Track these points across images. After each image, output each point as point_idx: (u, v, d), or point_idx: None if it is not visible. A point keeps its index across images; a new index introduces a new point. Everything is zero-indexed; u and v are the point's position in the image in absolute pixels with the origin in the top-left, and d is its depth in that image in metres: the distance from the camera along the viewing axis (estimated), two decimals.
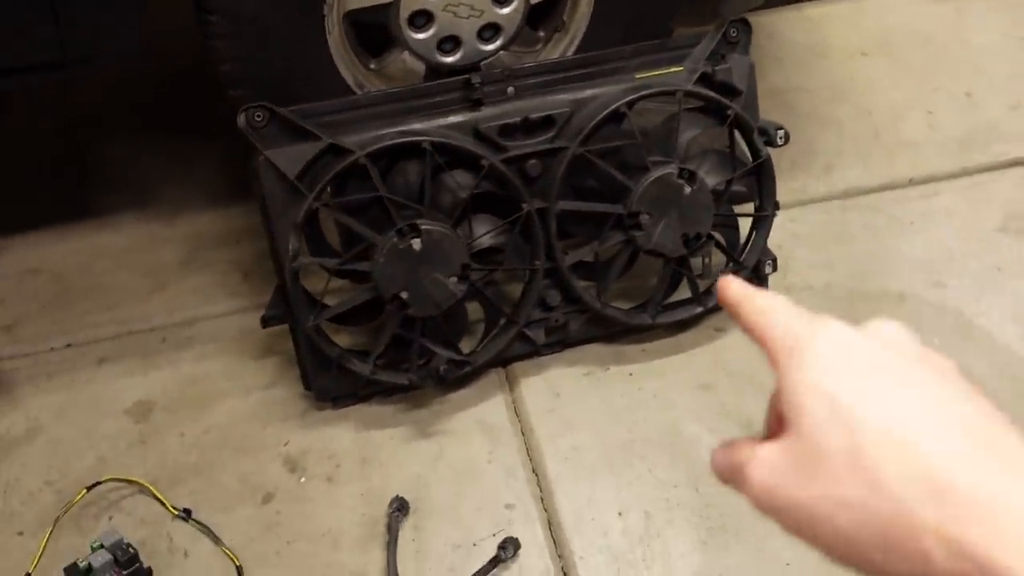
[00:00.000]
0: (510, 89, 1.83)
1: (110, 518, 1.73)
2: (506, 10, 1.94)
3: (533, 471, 1.80)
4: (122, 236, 2.31)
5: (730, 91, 1.90)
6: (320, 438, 1.85)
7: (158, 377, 1.98)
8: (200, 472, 1.80)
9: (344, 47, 1.94)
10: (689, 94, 1.86)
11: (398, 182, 1.79)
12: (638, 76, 1.88)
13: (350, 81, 1.96)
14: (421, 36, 1.92)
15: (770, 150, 1.94)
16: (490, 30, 1.96)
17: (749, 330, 0.60)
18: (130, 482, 1.77)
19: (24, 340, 2.07)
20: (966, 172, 2.41)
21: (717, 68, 1.88)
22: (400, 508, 1.71)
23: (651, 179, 1.83)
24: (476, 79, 1.79)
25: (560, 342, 1.97)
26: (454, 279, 1.75)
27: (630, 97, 1.82)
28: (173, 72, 2.60)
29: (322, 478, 1.79)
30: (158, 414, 1.91)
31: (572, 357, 1.98)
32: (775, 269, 2.04)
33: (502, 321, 1.91)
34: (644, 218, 1.84)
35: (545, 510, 1.73)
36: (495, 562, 1.62)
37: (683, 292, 2.01)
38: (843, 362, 0.55)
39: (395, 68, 2.02)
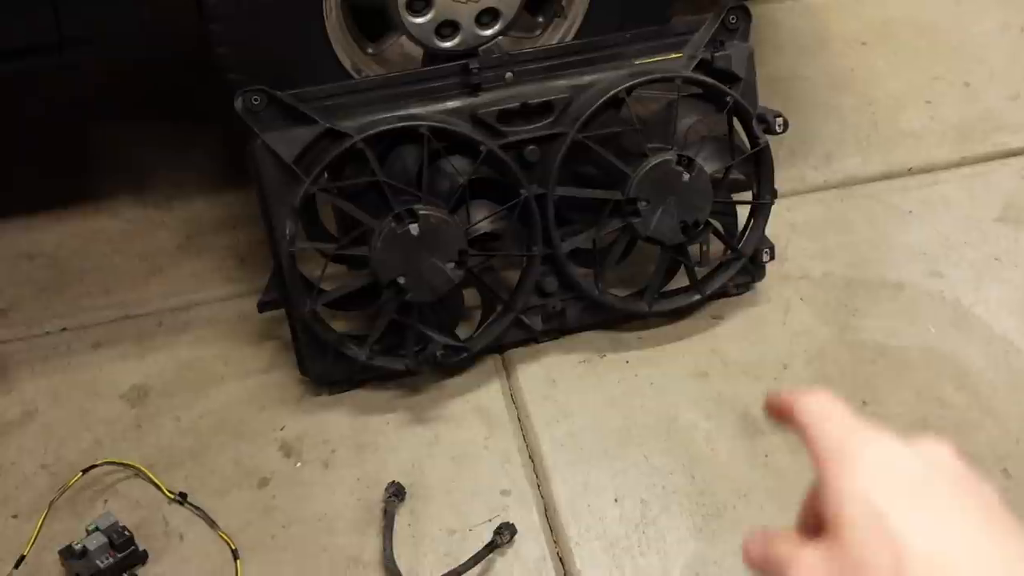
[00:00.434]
0: (508, 74, 1.82)
1: (105, 501, 1.73)
2: None
3: (529, 457, 1.80)
4: (119, 220, 2.30)
5: (729, 78, 1.89)
6: (316, 423, 1.85)
7: (154, 361, 1.98)
8: (196, 456, 1.80)
9: (342, 31, 1.94)
10: (688, 81, 1.86)
11: (396, 167, 1.78)
12: (637, 62, 1.87)
13: (348, 65, 1.95)
14: (419, 21, 1.92)
15: (768, 138, 1.94)
16: (488, 15, 1.95)
17: (799, 430, 0.61)
18: (126, 465, 1.77)
19: (19, 324, 2.07)
20: (965, 162, 2.41)
21: (716, 55, 1.87)
22: (396, 493, 1.71)
23: (649, 166, 1.82)
24: (474, 64, 1.79)
25: (557, 329, 1.97)
26: (451, 265, 1.75)
27: (629, 83, 1.81)
28: (172, 55, 2.59)
29: (318, 463, 1.79)
30: (154, 398, 1.91)
31: (569, 344, 1.98)
32: (772, 257, 2.04)
33: (499, 307, 1.90)
34: (642, 205, 1.84)
35: (541, 496, 1.73)
36: (491, 547, 1.62)
37: (681, 280, 2.00)
38: (890, 477, 0.55)
39: (393, 53, 2.01)
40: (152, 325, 2.05)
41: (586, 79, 1.85)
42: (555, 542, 1.66)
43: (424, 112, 1.78)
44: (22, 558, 1.62)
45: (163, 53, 2.50)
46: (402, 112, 1.77)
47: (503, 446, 1.81)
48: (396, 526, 1.67)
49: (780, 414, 0.63)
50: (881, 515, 0.54)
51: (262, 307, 1.84)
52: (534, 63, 1.84)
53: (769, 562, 0.58)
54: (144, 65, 2.61)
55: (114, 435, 1.84)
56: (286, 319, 1.85)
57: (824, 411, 0.60)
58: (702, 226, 1.89)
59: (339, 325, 1.89)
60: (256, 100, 1.70)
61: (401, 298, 1.75)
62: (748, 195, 1.99)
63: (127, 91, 2.64)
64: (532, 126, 1.82)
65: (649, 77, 1.83)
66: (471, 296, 1.94)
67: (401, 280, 1.73)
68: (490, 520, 1.68)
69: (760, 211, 1.98)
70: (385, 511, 1.69)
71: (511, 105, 1.80)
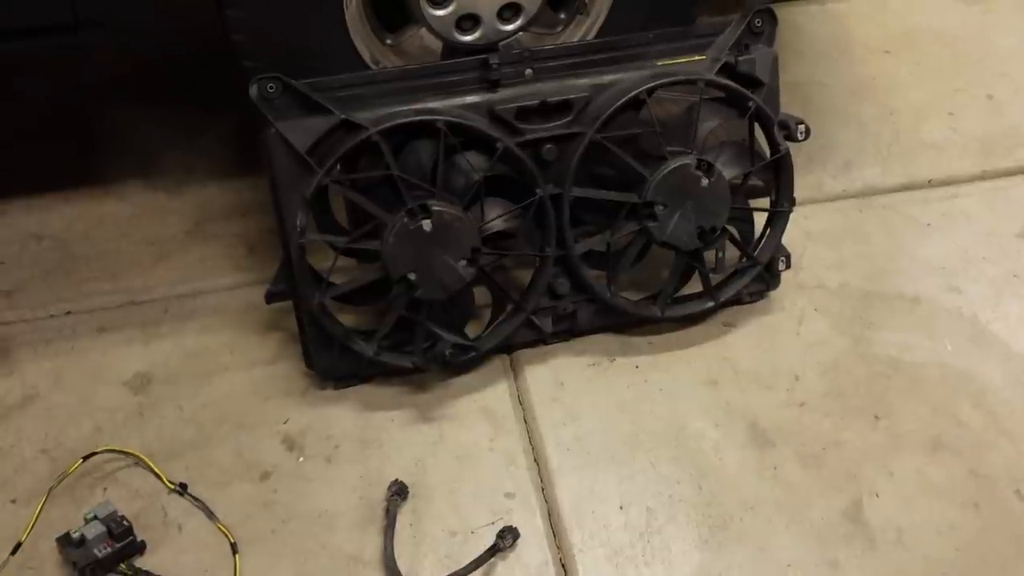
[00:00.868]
0: (528, 71, 1.79)
1: (105, 489, 1.71)
2: None
3: (535, 460, 1.77)
4: (127, 204, 2.28)
5: (752, 83, 1.86)
6: (320, 417, 1.83)
7: (159, 348, 1.95)
8: (197, 446, 1.78)
9: (361, 21, 1.91)
10: (710, 84, 1.82)
11: (410, 161, 1.76)
12: (659, 63, 1.85)
13: (366, 56, 1.93)
14: (440, 13, 1.89)
15: (789, 145, 1.91)
16: (510, 10, 1.92)
17: None
18: (126, 454, 1.75)
19: (24, 306, 2.05)
20: (986, 175, 2.37)
21: (740, 58, 1.84)
22: (399, 492, 1.68)
23: (668, 169, 1.79)
24: (494, 59, 1.76)
25: (567, 331, 1.94)
26: (463, 263, 1.72)
27: (650, 84, 1.78)
28: (188, 41, 2.56)
29: (321, 458, 1.76)
30: (157, 386, 1.89)
31: (579, 346, 1.95)
32: (788, 266, 2.01)
33: (509, 307, 1.88)
34: (659, 209, 1.81)
35: (545, 500, 1.71)
36: (493, 551, 1.60)
37: (694, 285, 1.97)
38: None
39: (412, 45, 1.99)
40: (158, 312, 2.03)
41: (607, 78, 1.82)
42: (558, 548, 1.64)
43: (441, 106, 1.75)
44: (19, 545, 1.60)
45: (179, 38, 2.48)
46: (419, 105, 1.74)
47: (508, 448, 1.79)
48: (397, 526, 1.65)
49: None
50: None
51: (270, 298, 1.81)
52: (555, 60, 1.81)
53: None
54: (156, 49, 2.58)
55: (116, 422, 1.82)
56: (294, 310, 1.82)
57: None
58: (719, 232, 1.86)
59: (346, 319, 1.87)
60: (271, 88, 1.67)
61: (411, 294, 1.73)
62: (766, 202, 1.97)
63: (140, 73, 2.62)
64: (550, 124, 1.79)
65: (671, 79, 1.80)
66: (481, 294, 1.91)
67: (412, 276, 1.70)
68: (493, 523, 1.66)
69: (778, 219, 1.95)
70: (387, 510, 1.67)
71: (530, 102, 1.77)
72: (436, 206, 1.69)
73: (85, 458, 1.72)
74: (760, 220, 1.98)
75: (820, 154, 2.40)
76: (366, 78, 1.77)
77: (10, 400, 1.86)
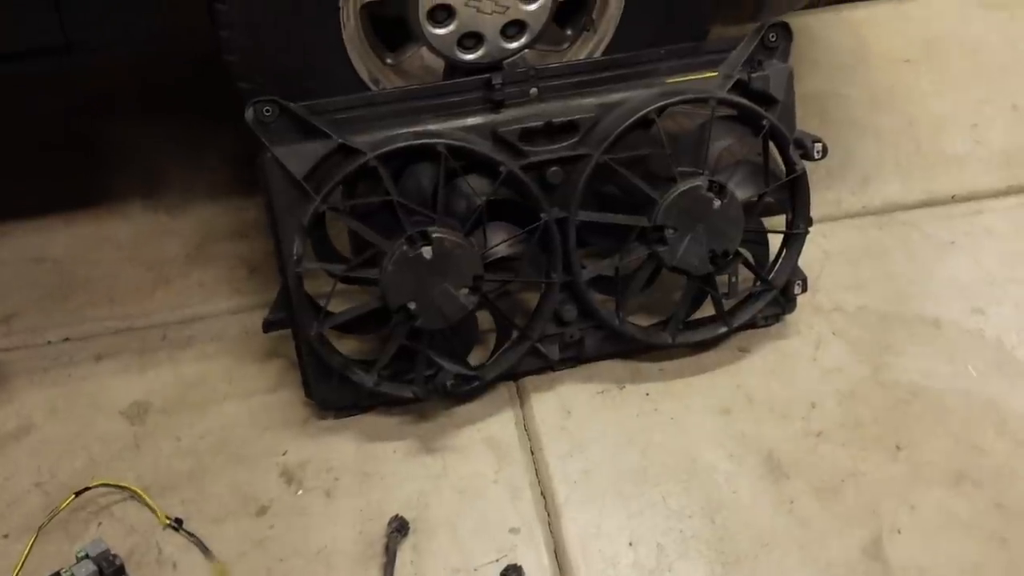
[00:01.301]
0: (533, 90, 1.74)
1: (99, 524, 1.67)
2: (532, 7, 1.84)
3: (541, 493, 1.71)
4: (128, 225, 2.24)
5: (766, 100, 1.79)
6: (320, 449, 1.78)
7: (156, 376, 1.91)
8: (194, 479, 1.73)
9: (360, 40, 1.85)
10: (723, 102, 1.76)
11: (410, 185, 1.70)
12: (669, 80, 1.79)
13: (365, 76, 1.87)
14: (441, 31, 1.83)
15: (805, 163, 1.84)
16: (514, 27, 1.86)
17: None
18: (121, 488, 1.70)
19: (21, 331, 2.01)
20: (1012, 190, 2.30)
21: (753, 75, 1.78)
22: (399, 528, 1.63)
23: (678, 191, 1.73)
24: (498, 79, 1.70)
25: (574, 358, 1.88)
26: (465, 291, 1.67)
27: (660, 103, 1.72)
28: (187, 57, 2.52)
29: (320, 491, 1.71)
30: (154, 416, 1.84)
31: (586, 373, 1.89)
32: (805, 290, 1.94)
33: (514, 335, 1.82)
34: (669, 232, 1.75)
35: (552, 535, 1.65)
36: None
37: (707, 309, 1.91)
38: None
39: (412, 64, 1.93)
40: (156, 338, 1.99)
41: (615, 97, 1.76)
42: None
43: (442, 128, 1.69)
44: None
45: (174, 59, 2.44)
46: (419, 128, 1.69)
47: (513, 480, 1.73)
48: (398, 563, 1.60)
49: None
50: None
51: (267, 327, 1.77)
52: (561, 79, 1.76)
53: None
54: (160, 65, 2.54)
55: (111, 453, 1.78)
56: (292, 338, 1.77)
57: None
58: (732, 256, 1.80)
59: (346, 346, 1.82)
60: (267, 111, 1.63)
61: (411, 323, 1.67)
62: (781, 222, 1.90)
63: (141, 91, 2.58)
64: (556, 146, 1.73)
65: (681, 97, 1.74)
66: (485, 318, 1.86)
67: (411, 306, 1.65)
68: (497, 560, 1.61)
69: (794, 241, 1.89)
70: (387, 547, 1.61)
71: (534, 123, 1.72)
72: (436, 233, 1.64)
73: (78, 493, 1.67)
74: (775, 241, 1.91)
75: (838, 169, 2.32)
76: (365, 99, 1.72)
77: (5, 430, 1.83)
